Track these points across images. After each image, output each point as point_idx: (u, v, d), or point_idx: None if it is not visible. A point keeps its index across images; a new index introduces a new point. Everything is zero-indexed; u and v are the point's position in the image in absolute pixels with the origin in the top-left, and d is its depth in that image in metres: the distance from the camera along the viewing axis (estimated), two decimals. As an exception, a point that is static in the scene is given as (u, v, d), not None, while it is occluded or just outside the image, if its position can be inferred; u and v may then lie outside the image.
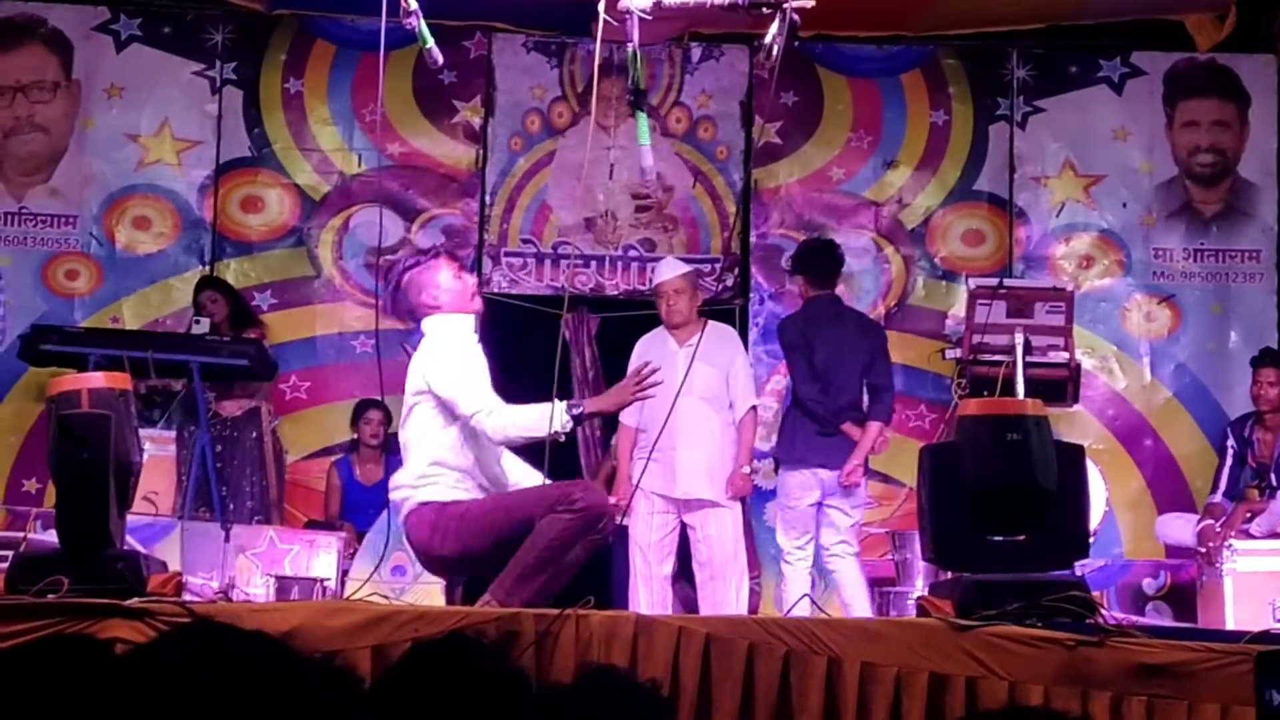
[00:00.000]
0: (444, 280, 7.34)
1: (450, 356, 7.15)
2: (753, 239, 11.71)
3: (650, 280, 9.79)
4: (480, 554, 6.96)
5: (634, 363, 9.42)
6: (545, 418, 6.89)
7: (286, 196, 11.64)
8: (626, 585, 9.44)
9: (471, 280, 7.55)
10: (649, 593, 9.21)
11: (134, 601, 6.11)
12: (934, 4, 11.15)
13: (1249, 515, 9.81)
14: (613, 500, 9.35)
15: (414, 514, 7.13)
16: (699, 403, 9.21)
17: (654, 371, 7.09)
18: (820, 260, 9.93)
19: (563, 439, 6.96)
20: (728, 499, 9.30)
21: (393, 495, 7.24)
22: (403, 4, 6.87)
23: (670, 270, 9.56)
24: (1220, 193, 11.75)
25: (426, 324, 7.37)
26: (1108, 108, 11.80)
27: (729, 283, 11.64)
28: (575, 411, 6.95)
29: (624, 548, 9.52)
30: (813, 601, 8.22)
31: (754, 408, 9.45)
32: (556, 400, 6.90)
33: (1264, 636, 6.74)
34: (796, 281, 10.02)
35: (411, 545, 7.27)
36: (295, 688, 3.34)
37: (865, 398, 9.66)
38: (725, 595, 9.15)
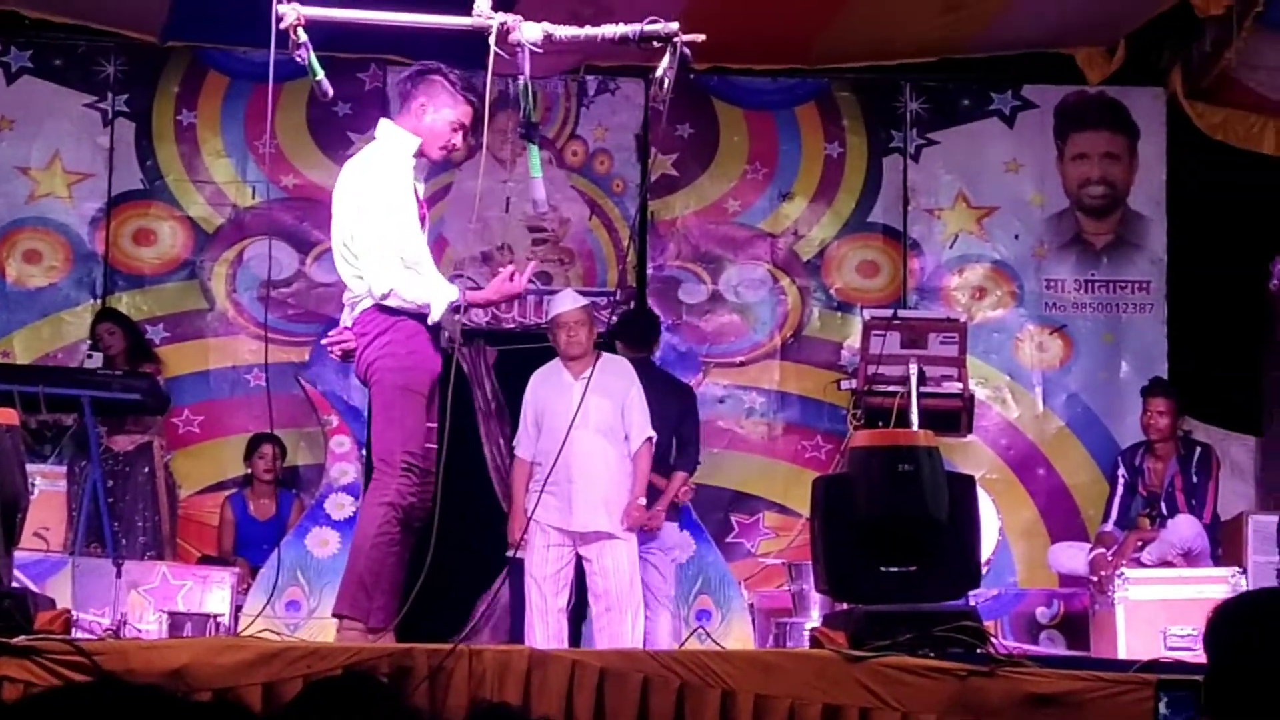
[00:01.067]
0: (445, 112, 7.29)
1: (375, 207, 7.14)
2: (649, 271, 11.73)
3: (546, 313, 9.76)
4: None
5: (529, 397, 9.46)
6: (431, 296, 7.01)
7: (179, 229, 11.56)
8: (523, 619, 9.42)
9: (453, 138, 7.40)
10: (544, 626, 9.18)
11: (20, 640, 6.03)
12: (828, 37, 11.22)
13: (1140, 544, 9.90)
14: (513, 535, 9.41)
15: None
16: (594, 435, 9.21)
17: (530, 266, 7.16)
18: (637, 328, 10.42)
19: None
20: (624, 530, 9.30)
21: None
22: (291, 37, 6.84)
23: (571, 302, 9.56)
24: (1111, 224, 11.86)
25: (382, 128, 7.37)
26: (1000, 140, 11.90)
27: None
28: (455, 302, 6.95)
29: (520, 581, 9.51)
30: (706, 634, 8.22)
31: (649, 439, 9.46)
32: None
33: (1155, 665, 6.79)
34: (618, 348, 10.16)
35: None
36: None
37: (674, 451, 9.99)
38: (621, 628, 9.14)
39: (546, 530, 9.20)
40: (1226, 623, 3.77)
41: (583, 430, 8.91)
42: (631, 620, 9.24)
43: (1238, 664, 3.68)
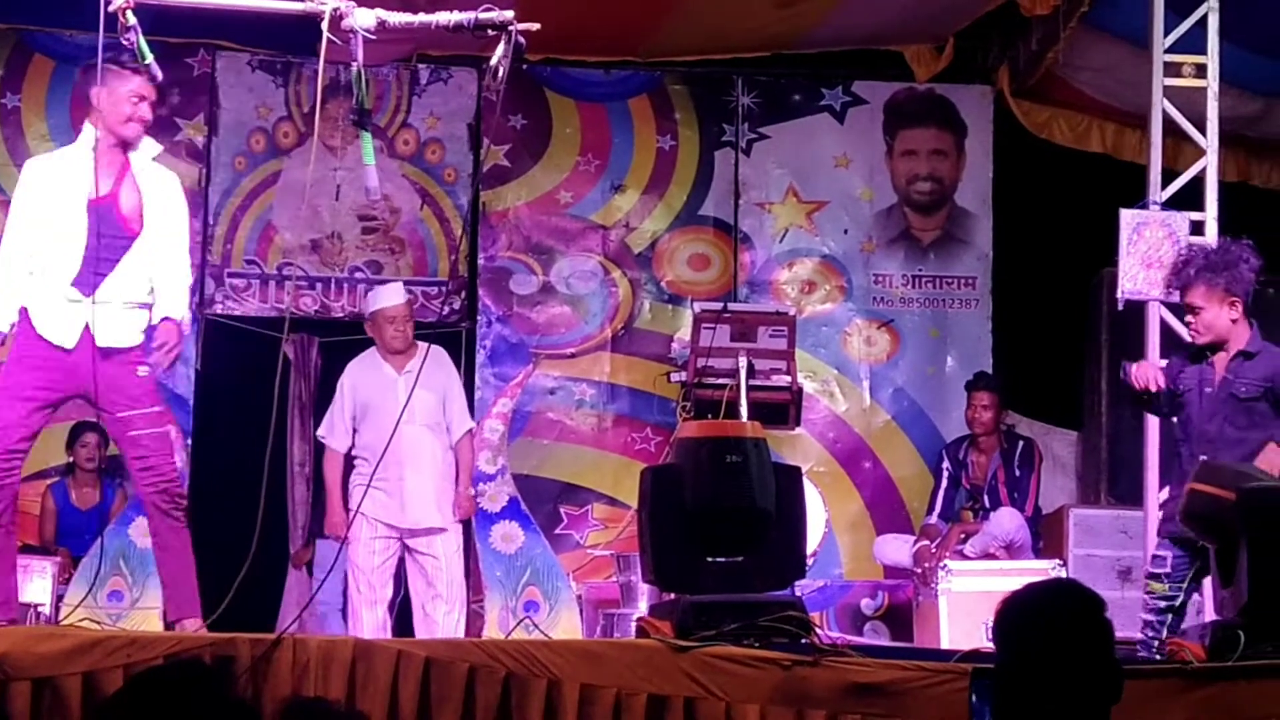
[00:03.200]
0: (118, 89, 7.27)
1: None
2: (480, 261, 11.69)
3: (368, 305, 9.71)
4: None
5: (346, 389, 9.46)
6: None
7: (3, 214, 11.35)
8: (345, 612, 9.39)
9: (137, 110, 7.35)
10: (373, 618, 9.15)
11: None
12: (661, 30, 11.25)
13: (963, 536, 10.04)
14: (335, 527, 9.36)
15: None
16: (422, 429, 9.22)
17: None
18: None
19: None
20: (455, 521, 9.29)
21: None
22: (120, 20, 6.75)
23: (399, 296, 9.53)
24: (938, 220, 11.99)
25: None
26: (830, 135, 11.98)
27: (456, 305, 11.61)
28: None
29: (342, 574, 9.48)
30: (534, 623, 8.23)
31: (470, 430, 9.49)
32: None
33: (975, 655, 6.88)
34: None
35: None
36: None
37: None
38: (451, 618, 9.13)
39: (373, 523, 9.16)
40: (1012, 614, 3.84)
41: (410, 425, 8.91)
42: (460, 611, 9.24)
43: (1022, 654, 3.74)
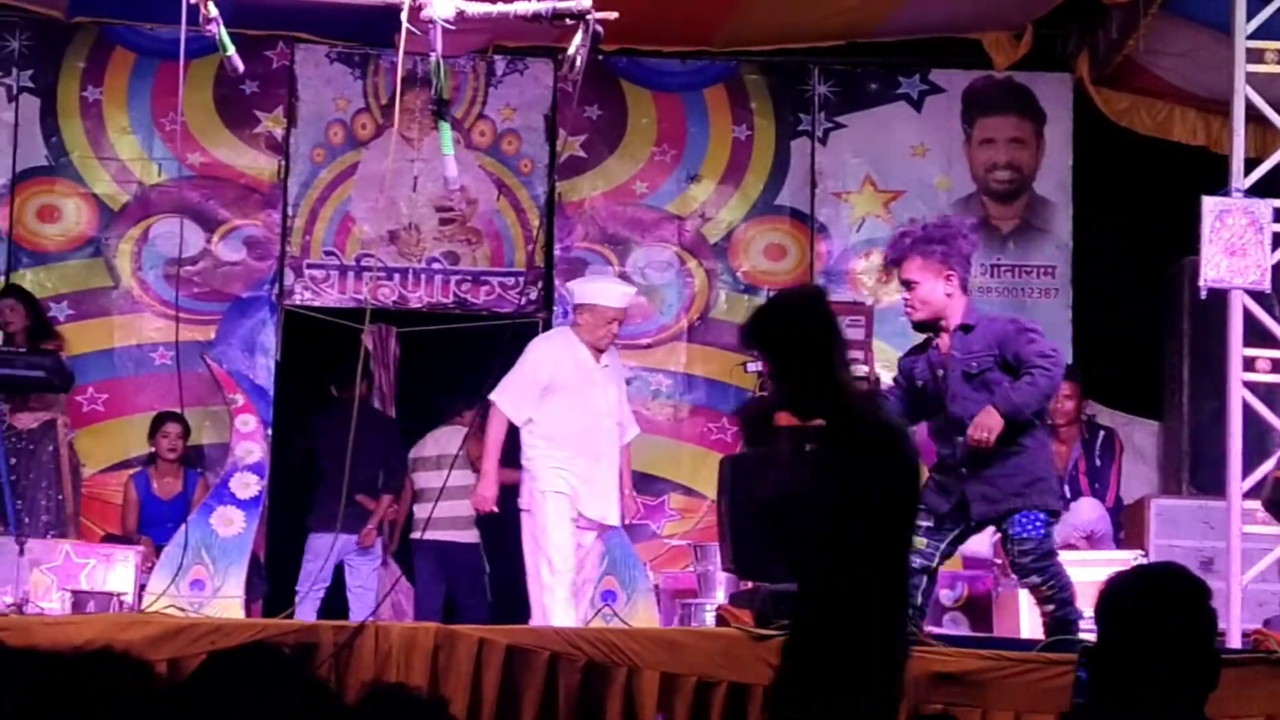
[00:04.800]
0: None
1: None
2: (556, 252, 11.70)
3: (585, 295, 9.39)
4: None
5: (539, 360, 9.13)
6: None
7: (84, 206, 11.46)
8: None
9: None
10: (561, 600, 8.69)
11: (-78, 615, 6.00)
12: (736, 20, 11.23)
13: (1043, 527, 9.96)
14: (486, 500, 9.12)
15: None
16: (613, 426, 9.16)
17: None
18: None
19: None
20: (624, 524, 9.27)
21: None
22: (203, 11, 6.81)
23: (626, 299, 9.45)
24: (1016, 209, 11.92)
25: None
26: (907, 124, 11.93)
27: (533, 296, 11.63)
28: None
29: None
30: (614, 612, 8.24)
31: (635, 435, 9.48)
32: None
33: (1056, 644, 6.87)
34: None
35: None
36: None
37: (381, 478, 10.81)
38: (588, 612, 8.94)
39: (572, 507, 8.90)
40: (1118, 596, 3.81)
41: (607, 419, 8.90)
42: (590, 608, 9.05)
43: (1125, 636, 3.72)
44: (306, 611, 9.79)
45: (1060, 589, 7.40)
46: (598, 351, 9.12)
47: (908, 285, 7.69)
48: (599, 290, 9.43)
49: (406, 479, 11.25)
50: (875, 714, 4.98)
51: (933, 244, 7.64)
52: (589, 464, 8.91)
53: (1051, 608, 7.40)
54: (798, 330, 5.24)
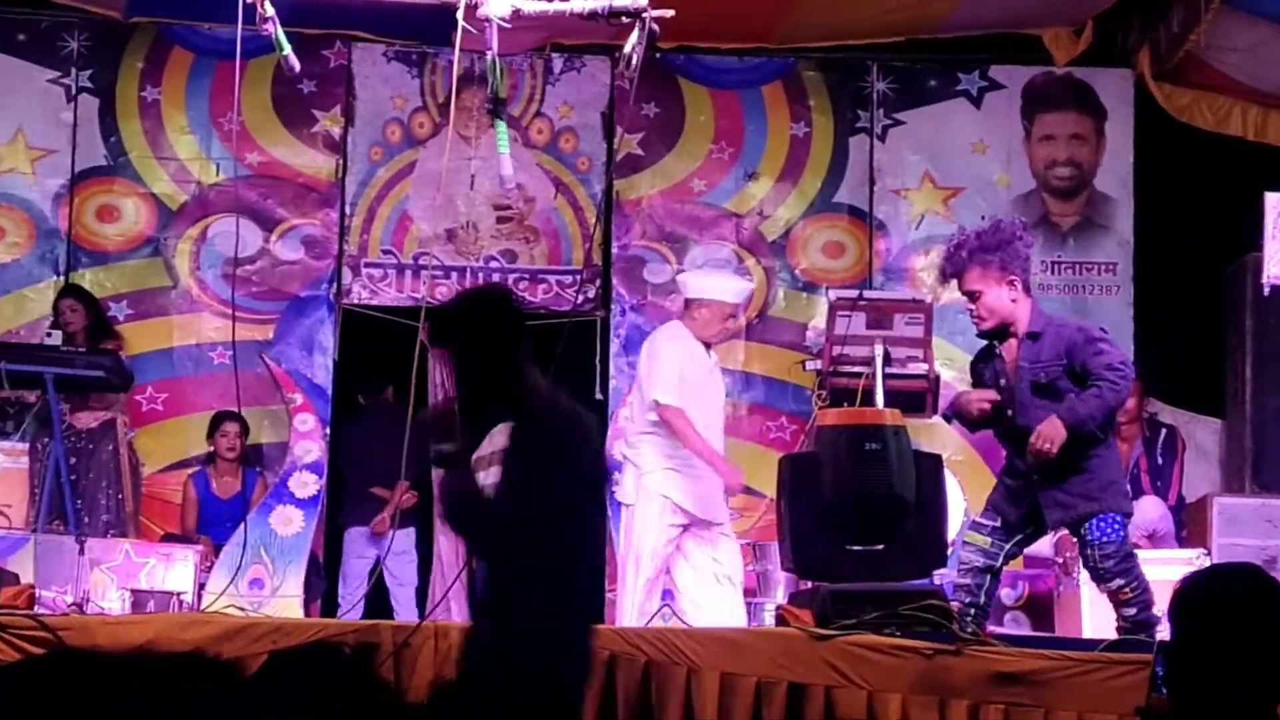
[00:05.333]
0: None
1: None
2: (614, 250, 11.69)
3: (700, 288, 9.29)
4: None
5: (670, 351, 9.03)
6: None
7: (143, 206, 11.50)
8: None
9: None
10: (637, 598, 8.74)
11: (-16, 615, 6.01)
12: (794, 16, 11.20)
13: (1105, 525, 9.90)
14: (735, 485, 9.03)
15: None
16: (722, 423, 9.18)
17: None
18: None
19: None
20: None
21: None
22: (259, 11, 6.81)
23: (742, 295, 9.45)
24: (1077, 206, 11.86)
25: None
26: (966, 121, 11.88)
27: (590, 294, 11.62)
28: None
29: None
30: (674, 611, 8.21)
31: None
32: None
33: (1119, 644, 6.82)
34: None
35: None
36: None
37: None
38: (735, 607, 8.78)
39: (674, 508, 8.80)
40: (1193, 595, 3.78)
41: (719, 416, 8.93)
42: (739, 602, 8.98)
43: (1201, 635, 3.68)
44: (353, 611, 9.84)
45: (1142, 590, 7.36)
46: (707, 347, 9.08)
47: (971, 296, 7.63)
48: (718, 285, 9.36)
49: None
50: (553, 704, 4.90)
51: (989, 252, 7.59)
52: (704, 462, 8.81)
53: (1133, 611, 7.35)
54: (483, 329, 5.18)
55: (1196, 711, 3.62)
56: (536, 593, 4.90)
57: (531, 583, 4.91)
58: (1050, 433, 7.26)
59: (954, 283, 7.78)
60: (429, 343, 5.20)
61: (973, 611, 7.31)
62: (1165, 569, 8.86)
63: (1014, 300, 7.57)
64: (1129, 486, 10.02)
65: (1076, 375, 7.44)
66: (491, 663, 4.92)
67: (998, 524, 7.50)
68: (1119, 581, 7.38)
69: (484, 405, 5.16)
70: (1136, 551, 9.41)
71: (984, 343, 7.80)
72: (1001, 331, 7.63)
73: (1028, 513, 7.51)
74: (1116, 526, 7.38)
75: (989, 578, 7.48)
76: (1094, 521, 7.35)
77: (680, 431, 8.80)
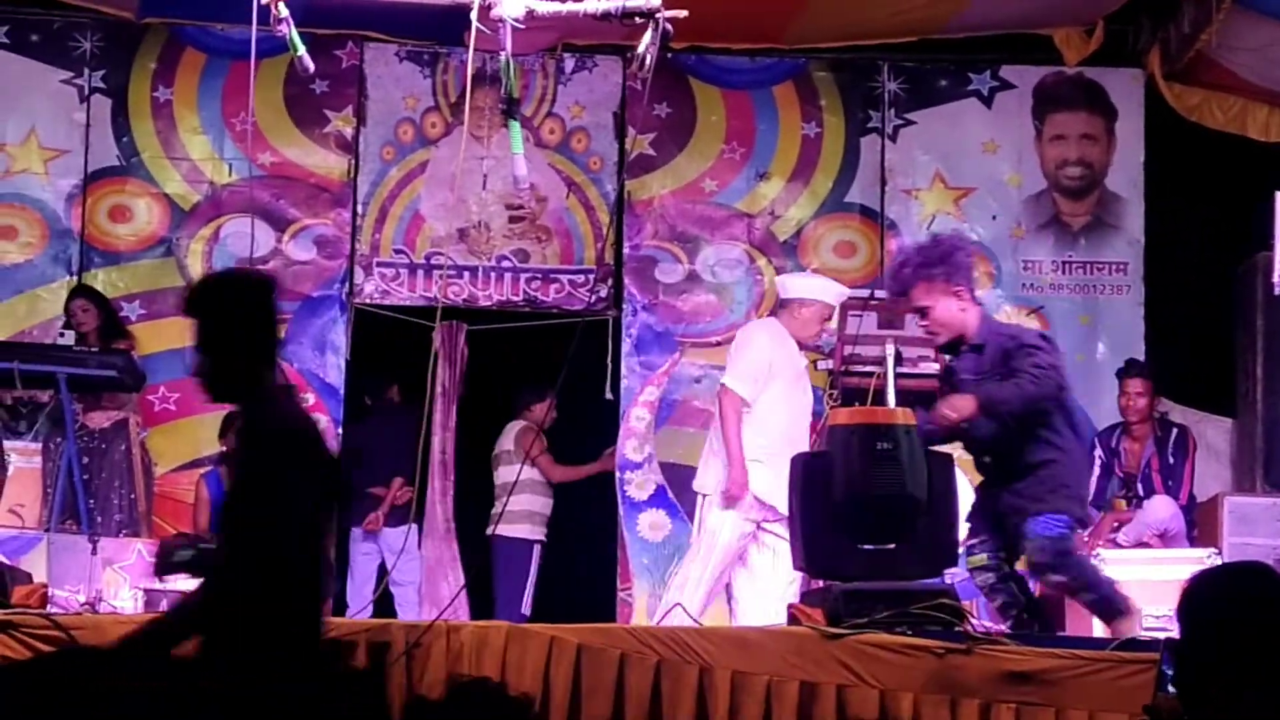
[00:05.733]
0: None
1: None
2: (626, 250, 11.69)
3: (801, 289, 9.43)
4: None
5: (764, 344, 9.12)
6: None
7: (156, 206, 11.52)
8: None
9: None
10: (700, 598, 8.81)
11: (-2, 613, 6.03)
12: (805, 17, 11.20)
13: (1116, 525, 9.92)
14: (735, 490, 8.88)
15: None
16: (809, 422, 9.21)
17: None
18: None
19: None
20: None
21: None
22: (273, 12, 6.83)
23: (839, 296, 9.48)
24: (1088, 205, 11.85)
25: None
26: (977, 121, 11.88)
27: (602, 294, 11.63)
28: None
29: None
30: (685, 610, 8.21)
31: None
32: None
33: (1130, 644, 6.82)
34: None
35: None
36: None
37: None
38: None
39: (760, 504, 8.83)
40: (1201, 594, 3.78)
41: (806, 416, 8.98)
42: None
43: (1210, 634, 3.68)
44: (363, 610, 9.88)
45: (1089, 572, 7.48)
46: (800, 347, 9.17)
47: (922, 313, 7.70)
48: (819, 286, 9.49)
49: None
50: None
51: (932, 265, 7.65)
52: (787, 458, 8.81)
53: (1089, 595, 7.46)
54: (232, 308, 5.16)
55: (1208, 711, 3.63)
56: (273, 581, 4.83)
57: (267, 572, 4.83)
58: (960, 404, 7.34)
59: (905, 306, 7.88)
60: (182, 310, 5.17)
61: (1023, 612, 7.49)
62: (1176, 568, 8.88)
63: (963, 310, 7.63)
64: (1140, 485, 10.05)
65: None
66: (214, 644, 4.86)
67: (984, 538, 7.57)
68: (1057, 577, 7.46)
69: (216, 384, 5.16)
70: (1150, 550, 9.48)
71: None
72: (955, 345, 7.69)
73: (995, 520, 7.58)
74: (1058, 525, 7.41)
75: (1012, 582, 7.56)
76: (1036, 519, 7.40)
77: (725, 418, 8.91)
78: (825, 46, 11.75)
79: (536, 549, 11.12)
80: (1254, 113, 11.31)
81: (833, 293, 9.41)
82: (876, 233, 11.79)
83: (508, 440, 11.32)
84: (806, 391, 9.11)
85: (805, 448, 8.85)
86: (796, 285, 9.48)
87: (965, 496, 8.01)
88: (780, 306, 9.35)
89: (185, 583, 8.83)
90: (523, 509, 10.96)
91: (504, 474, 11.08)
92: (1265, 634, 3.61)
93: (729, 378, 8.98)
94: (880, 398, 9.64)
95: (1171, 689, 4.15)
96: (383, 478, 11.05)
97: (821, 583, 7.51)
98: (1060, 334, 11.52)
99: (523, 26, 6.91)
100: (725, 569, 8.86)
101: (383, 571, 10.97)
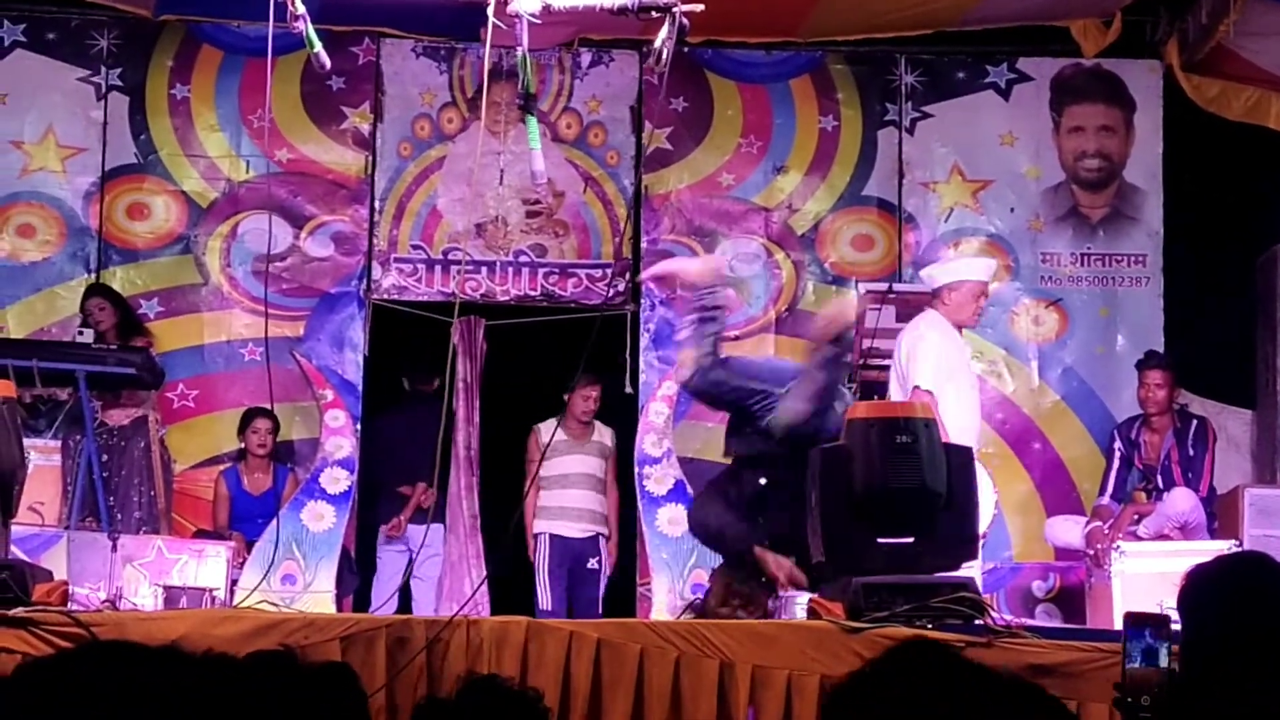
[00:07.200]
0: None
1: None
2: (644, 244, 11.69)
3: (954, 271, 9.38)
4: None
5: (934, 338, 9.04)
6: None
7: (173, 203, 11.53)
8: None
9: None
10: None
11: (18, 611, 6.04)
12: (821, 11, 11.19)
13: (1136, 517, 9.90)
14: None
15: None
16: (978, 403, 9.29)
17: None
18: None
19: None
20: None
21: None
22: (290, 9, 6.83)
23: (994, 268, 9.52)
24: (1106, 197, 11.83)
25: None
26: (995, 113, 11.86)
27: (620, 288, 11.62)
28: None
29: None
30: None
31: None
32: None
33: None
34: None
35: None
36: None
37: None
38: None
39: None
40: (1201, 586, 3.77)
41: (977, 395, 9.06)
42: None
43: (1211, 627, 3.67)
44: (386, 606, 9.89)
45: None
46: (959, 330, 9.14)
47: None
48: (964, 266, 9.48)
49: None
50: None
51: None
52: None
53: None
54: None
55: (1210, 701, 3.61)
56: None
57: None
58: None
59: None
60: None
61: None
62: (1197, 561, 8.85)
63: None
64: (1160, 478, 10.03)
65: None
66: None
67: None
68: None
69: None
70: (1170, 542, 9.46)
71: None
72: None
73: None
74: None
75: None
76: None
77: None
78: (842, 39, 11.73)
79: (601, 542, 11.07)
80: (1273, 103, 11.27)
81: (981, 268, 9.38)
82: (894, 226, 11.78)
83: (545, 434, 11.15)
84: (972, 373, 9.09)
85: (978, 436, 8.97)
86: (942, 272, 9.38)
87: (984, 492, 7.99)
88: (934, 297, 9.27)
89: (209, 578, 8.91)
90: (582, 507, 10.94)
91: (546, 468, 10.84)
92: (1266, 623, 3.60)
93: (919, 378, 8.83)
94: (899, 391, 9.63)
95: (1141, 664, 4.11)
96: (410, 475, 11.02)
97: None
98: (1079, 326, 11.57)
99: (539, 21, 6.90)
100: None
101: (409, 568, 10.96)
